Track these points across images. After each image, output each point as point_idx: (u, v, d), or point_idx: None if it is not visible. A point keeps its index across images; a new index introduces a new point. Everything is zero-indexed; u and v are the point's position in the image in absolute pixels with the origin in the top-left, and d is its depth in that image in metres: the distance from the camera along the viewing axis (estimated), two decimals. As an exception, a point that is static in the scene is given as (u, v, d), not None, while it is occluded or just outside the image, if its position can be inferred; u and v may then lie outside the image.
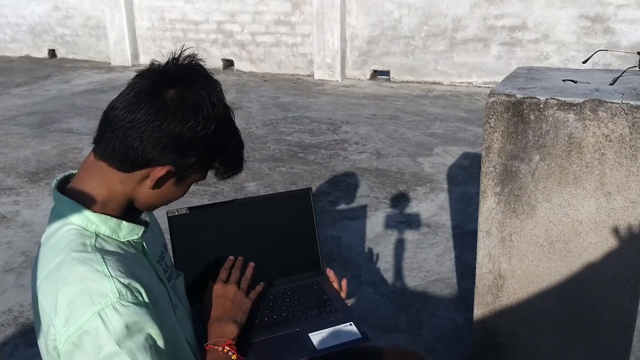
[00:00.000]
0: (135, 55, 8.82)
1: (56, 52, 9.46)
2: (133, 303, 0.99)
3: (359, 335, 1.35)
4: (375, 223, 3.56)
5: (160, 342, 1.02)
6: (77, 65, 8.86)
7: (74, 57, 9.33)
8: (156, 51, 8.66)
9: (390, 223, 3.56)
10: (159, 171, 1.05)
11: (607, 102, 1.66)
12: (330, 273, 1.55)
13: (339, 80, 7.56)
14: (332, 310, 1.43)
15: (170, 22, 8.56)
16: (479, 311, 2.03)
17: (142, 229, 1.12)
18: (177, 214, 1.45)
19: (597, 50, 2.96)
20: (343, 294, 1.51)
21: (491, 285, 1.97)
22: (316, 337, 1.35)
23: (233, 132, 1.13)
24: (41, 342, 1.04)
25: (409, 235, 3.40)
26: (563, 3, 6.47)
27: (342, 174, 4.35)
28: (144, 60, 8.71)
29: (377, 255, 3.19)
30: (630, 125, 1.64)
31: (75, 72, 8.37)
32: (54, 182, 1.12)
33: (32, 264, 3.30)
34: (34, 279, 1.05)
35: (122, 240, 1.09)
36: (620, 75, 1.95)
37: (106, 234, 1.07)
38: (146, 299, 1.02)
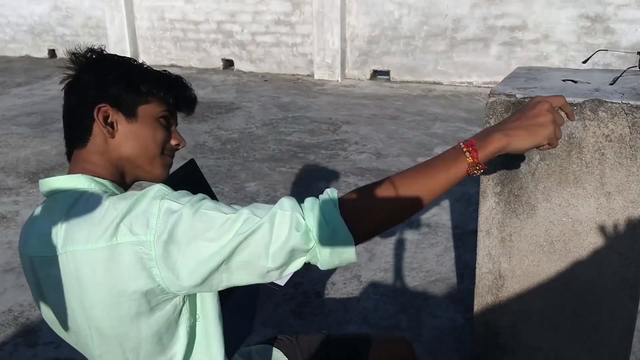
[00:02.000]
0: (135, 55, 8.82)
1: (56, 52, 9.46)
2: (177, 198, 0.99)
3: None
4: (375, 223, 3.56)
5: (210, 202, 1.05)
6: (77, 65, 8.86)
7: (74, 57, 9.33)
8: (156, 51, 8.66)
9: (390, 223, 3.56)
10: (98, 116, 1.12)
11: (607, 102, 1.66)
12: None
13: (339, 80, 7.57)
14: None
15: (170, 22, 8.56)
16: (478, 311, 2.03)
17: None
18: None
19: (597, 50, 2.96)
20: None
21: (491, 285, 1.97)
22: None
23: (133, 60, 1.22)
24: (110, 299, 1.00)
25: (409, 235, 3.40)
26: (563, 3, 6.47)
27: (342, 174, 4.35)
28: (144, 60, 8.71)
29: (377, 255, 3.19)
30: (630, 125, 1.64)
31: (75, 72, 8.37)
32: (41, 184, 1.12)
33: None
34: (88, 241, 0.99)
35: None
36: (620, 75, 1.95)
37: None
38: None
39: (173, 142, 1.22)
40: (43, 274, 1.06)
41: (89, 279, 1.01)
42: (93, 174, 1.11)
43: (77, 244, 1.00)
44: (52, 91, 7.25)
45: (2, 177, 4.40)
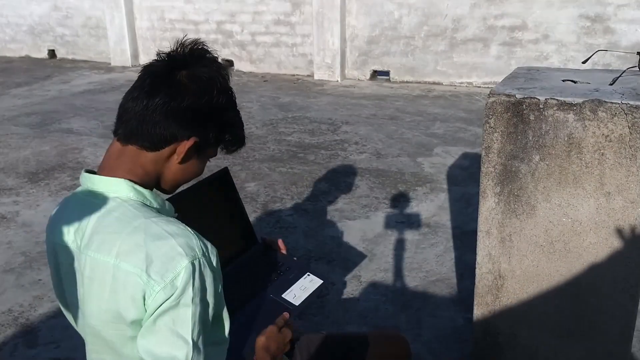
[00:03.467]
0: (135, 56, 8.82)
1: (56, 52, 9.46)
2: (209, 262, 1.07)
3: (320, 281, 1.54)
4: (375, 223, 3.56)
5: (209, 312, 1.09)
6: (77, 66, 8.86)
7: (73, 58, 9.33)
8: (156, 51, 8.65)
9: (390, 223, 3.56)
10: (186, 144, 1.12)
11: (606, 102, 1.66)
12: (266, 241, 1.67)
13: (339, 80, 7.57)
14: (286, 269, 1.57)
15: (170, 22, 8.56)
16: (478, 311, 2.03)
17: (173, 209, 1.21)
18: None
19: (596, 50, 2.96)
20: (284, 251, 1.64)
21: (491, 286, 1.97)
22: (289, 295, 1.49)
23: (237, 106, 1.23)
24: (109, 311, 1.07)
25: (409, 236, 3.40)
26: (563, 3, 6.47)
27: (341, 174, 4.35)
28: (144, 61, 8.69)
29: (377, 255, 3.19)
30: (630, 125, 1.64)
31: (75, 73, 8.37)
32: (83, 173, 1.16)
33: (31, 264, 3.29)
34: (98, 251, 1.08)
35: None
36: (620, 76, 1.95)
37: (157, 208, 1.15)
38: (214, 261, 1.10)
39: None
40: (62, 261, 1.14)
41: (96, 290, 1.08)
42: (138, 180, 1.13)
43: (97, 252, 1.07)
44: (52, 91, 7.25)
45: (2, 178, 4.40)
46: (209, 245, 1.09)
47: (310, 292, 1.50)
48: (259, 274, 1.56)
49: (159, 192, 1.21)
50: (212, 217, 1.60)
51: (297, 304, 1.46)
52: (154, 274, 1.02)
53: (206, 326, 1.08)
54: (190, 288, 1.03)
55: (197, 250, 1.05)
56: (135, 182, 1.12)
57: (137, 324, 1.06)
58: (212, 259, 1.08)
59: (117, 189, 1.11)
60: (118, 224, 1.07)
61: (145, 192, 1.13)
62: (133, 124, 1.11)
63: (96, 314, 1.10)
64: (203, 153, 1.19)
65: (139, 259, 1.03)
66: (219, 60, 1.19)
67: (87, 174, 1.15)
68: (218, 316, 1.13)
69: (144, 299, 1.03)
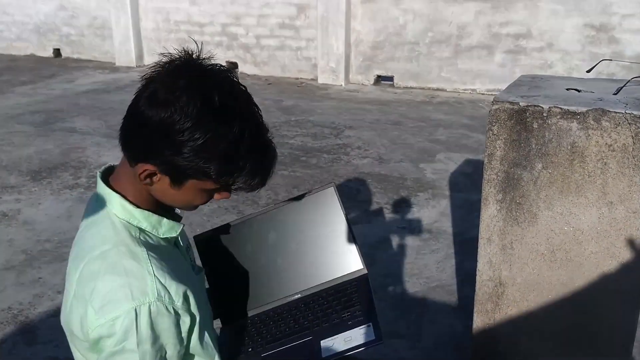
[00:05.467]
0: (139, 56, 8.84)
1: (61, 51, 9.48)
2: (166, 307, 1.02)
3: (372, 337, 1.25)
4: (376, 228, 3.56)
5: (172, 352, 1.06)
6: (82, 65, 8.88)
7: (78, 57, 9.35)
8: (160, 52, 8.67)
9: (392, 228, 3.55)
10: (141, 174, 1.04)
11: (610, 111, 1.66)
12: None
13: (343, 84, 7.57)
14: (355, 312, 1.33)
15: (175, 23, 8.58)
16: (478, 318, 2.02)
17: (181, 226, 1.16)
18: (201, 236, 1.44)
19: (601, 59, 2.95)
20: None
21: (491, 293, 1.96)
22: (327, 343, 1.28)
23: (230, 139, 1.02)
24: (71, 322, 1.08)
25: (410, 241, 3.40)
26: (568, 12, 6.47)
27: (344, 178, 4.35)
28: (149, 61, 8.72)
29: (378, 260, 3.19)
30: (633, 135, 1.64)
31: (80, 72, 8.39)
32: (99, 173, 1.15)
33: (32, 262, 3.29)
34: (73, 262, 1.09)
35: (161, 236, 1.13)
36: (624, 85, 1.95)
37: (147, 229, 1.11)
38: (178, 304, 1.05)
39: (217, 197, 1.12)
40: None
41: (65, 297, 1.11)
42: (130, 196, 1.09)
43: (71, 264, 1.10)
44: (57, 90, 7.27)
45: (5, 175, 4.40)
46: (173, 286, 1.04)
47: (350, 347, 1.25)
48: (330, 308, 1.36)
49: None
50: (307, 236, 1.46)
51: (322, 355, 1.26)
52: (96, 308, 1.01)
53: None
54: (134, 334, 1.00)
55: (149, 294, 1.01)
56: (127, 198, 1.09)
57: (86, 343, 1.06)
58: (175, 301, 1.04)
59: (109, 201, 1.09)
60: (92, 241, 1.07)
61: (135, 211, 1.08)
62: (125, 134, 1.07)
63: (63, 317, 1.12)
64: (179, 184, 1.05)
65: (89, 289, 1.02)
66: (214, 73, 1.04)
67: (99, 177, 1.13)
68: (190, 356, 1.13)
69: (87, 327, 1.03)
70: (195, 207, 1.14)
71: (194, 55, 1.04)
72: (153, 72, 1.02)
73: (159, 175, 1.04)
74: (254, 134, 1.04)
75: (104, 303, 1.00)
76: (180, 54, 1.04)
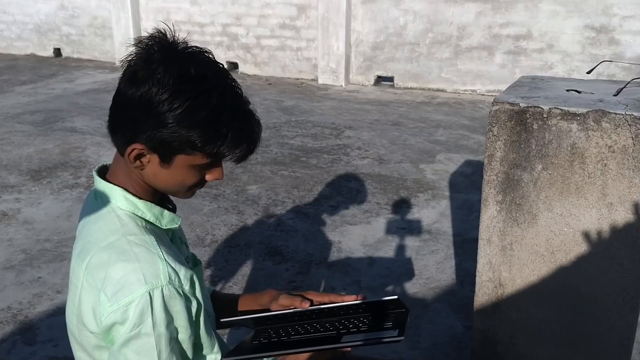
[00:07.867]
0: (140, 56, 8.84)
1: (61, 51, 9.48)
2: (177, 290, 1.05)
3: (395, 335, 1.11)
4: (376, 228, 3.56)
5: (184, 335, 1.08)
6: (82, 65, 8.88)
7: (79, 57, 9.35)
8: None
9: (391, 229, 3.56)
10: (130, 154, 1.05)
11: (610, 112, 1.66)
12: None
13: (343, 85, 7.57)
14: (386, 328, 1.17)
15: (176, 23, 8.51)
16: (478, 319, 2.02)
17: (180, 218, 1.18)
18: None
19: (601, 60, 2.96)
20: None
21: (491, 294, 1.97)
22: (348, 337, 1.16)
23: (212, 106, 1.02)
24: (82, 313, 1.08)
25: (410, 242, 3.40)
26: (568, 13, 6.47)
27: (344, 178, 4.35)
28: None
29: (377, 261, 3.19)
30: (633, 136, 1.64)
31: (80, 72, 8.39)
32: (95, 171, 1.17)
33: (32, 262, 3.29)
34: (78, 256, 1.10)
35: (163, 227, 1.15)
36: (624, 87, 1.95)
37: (150, 220, 1.12)
38: (186, 288, 1.07)
39: (208, 177, 1.13)
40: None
41: (71, 293, 1.12)
42: (130, 189, 1.11)
43: (77, 259, 1.11)
44: (57, 90, 7.26)
45: (5, 175, 4.40)
46: (182, 270, 1.06)
47: (371, 338, 1.14)
48: (358, 321, 1.22)
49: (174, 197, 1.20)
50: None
51: (341, 341, 1.15)
52: (109, 294, 1.02)
53: (182, 348, 1.08)
54: (149, 317, 1.01)
55: (162, 277, 1.03)
56: (129, 191, 1.11)
57: (98, 335, 1.07)
58: (183, 284, 1.06)
59: (111, 195, 1.11)
60: (98, 234, 1.08)
61: (139, 202, 1.11)
62: (112, 120, 1.10)
63: (70, 315, 1.13)
64: (168, 161, 1.05)
65: (100, 277, 1.03)
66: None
67: (96, 174, 1.15)
68: (199, 339, 1.13)
69: (100, 315, 1.04)
70: (190, 190, 1.13)
71: (167, 34, 1.05)
72: (132, 56, 1.05)
73: (148, 156, 1.06)
74: (234, 103, 1.05)
75: (117, 289, 1.02)
76: (155, 32, 1.05)
